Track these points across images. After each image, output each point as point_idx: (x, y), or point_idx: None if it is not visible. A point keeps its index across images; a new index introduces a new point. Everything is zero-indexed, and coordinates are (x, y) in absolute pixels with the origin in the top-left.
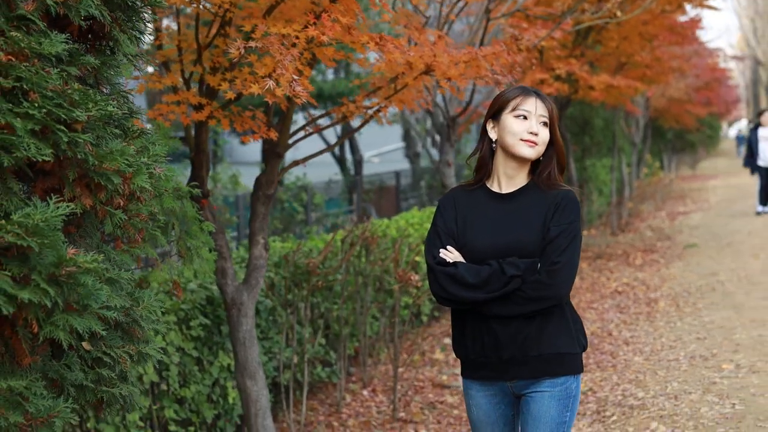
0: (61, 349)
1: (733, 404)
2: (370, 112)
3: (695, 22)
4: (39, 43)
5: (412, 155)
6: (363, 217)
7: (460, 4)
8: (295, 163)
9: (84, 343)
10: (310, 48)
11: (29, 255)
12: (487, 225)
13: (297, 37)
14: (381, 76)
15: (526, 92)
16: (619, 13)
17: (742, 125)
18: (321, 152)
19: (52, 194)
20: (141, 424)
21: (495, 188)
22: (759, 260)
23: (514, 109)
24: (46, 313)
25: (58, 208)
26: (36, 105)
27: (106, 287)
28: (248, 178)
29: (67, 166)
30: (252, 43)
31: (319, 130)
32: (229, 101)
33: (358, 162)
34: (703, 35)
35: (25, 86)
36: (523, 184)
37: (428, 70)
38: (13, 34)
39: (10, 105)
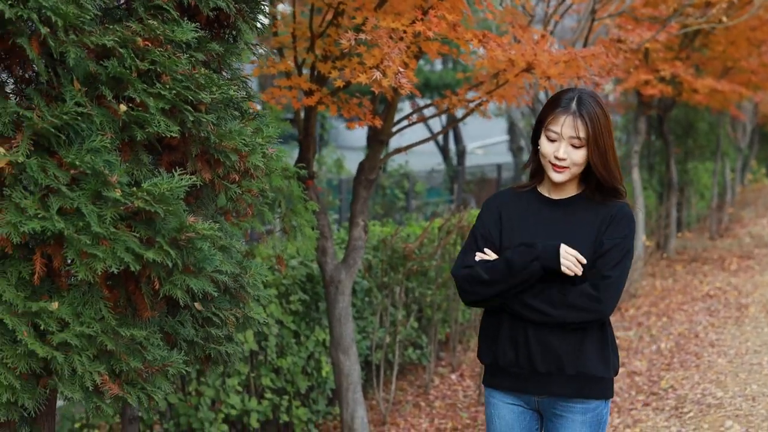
0: (175, 308)
1: None
2: (472, 105)
3: None
4: (172, 31)
5: (515, 149)
6: (461, 207)
7: (567, 2)
8: (398, 150)
9: (196, 304)
10: (417, 42)
11: (155, 220)
12: (533, 230)
13: (404, 32)
14: (485, 71)
15: (562, 108)
16: (725, 19)
17: None
18: (423, 141)
19: (176, 167)
20: (239, 389)
21: (545, 193)
22: None
23: (546, 128)
24: (166, 273)
25: (181, 179)
26: (167, 86)
27: (219, 253)
28: (352, 163)
29: (191, 142)
30: (362, 35)
31: (423, 120)
32: (337, 88)
33: (461, 153)
34: None
35: (158, 69)
36: (574, 193)
37: (529, 68)
38: (150, 21)
39: (145, 85)
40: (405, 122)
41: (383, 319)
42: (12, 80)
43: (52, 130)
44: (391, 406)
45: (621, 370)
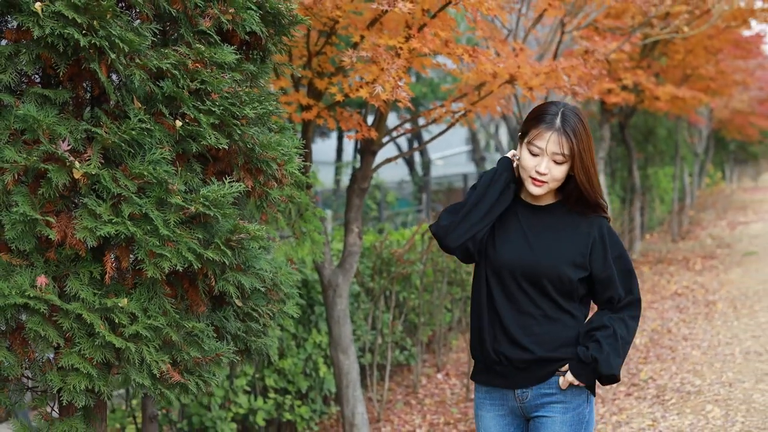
0: (219, 304)
1: None
2: (457, 115)
3: (760, 37)
4: (214, 53)
5: (477, 159)
6: (437, 215)
7: (535, 16)
8: (388, 160)
9: (237, 300)
10: (412, 57)
11: (211, 223)
12: (513, 238)
13: (401, 48)
14: (465, 84)
15: (546, 125)
16: (686, 29)
17: None
18: (412, 150)
19: (224, 176)
20: (247, 389)
21: (527, 198)
22: None
23: (529, 142)
24: (221, 271)
25: (231, 186)
26: (216, 103)
27: (264, 252)
28: (323, 175)
29: (236, 153)
30: (362, 53)
31: (412, 131)
32: (336, 102)
33: (427, 164)
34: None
35: (207, 88)
36: (552, 200)
37: (511, 80)
38: (198, 45)
39: (198, 103)
40: (394, 133)
41: (375, 323)
42: (75, 100)
43: (122, 144)
44: (384, 405)
45: None
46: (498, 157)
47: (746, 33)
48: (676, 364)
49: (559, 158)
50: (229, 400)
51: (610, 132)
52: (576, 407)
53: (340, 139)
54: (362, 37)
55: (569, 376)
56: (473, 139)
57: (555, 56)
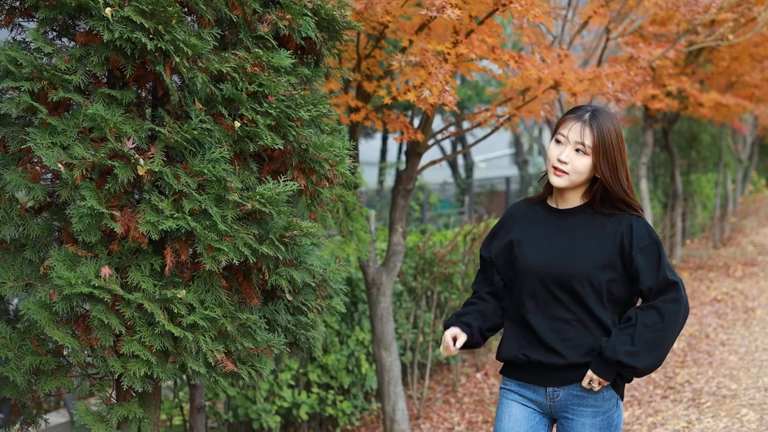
0: (270, 298)
1: None
2: (501, 119)
3: None
4: (272, 57)
5: (520, 162)
6: (482, 216)
7: (581, 22)
8: (432, 162)
9: (287, 294)
10: (459, 62)
11: (266, 219)
12: (540, 243)
13: (448, 53)
14: (510, 88)
15: (574, 116)
16: (731, 37)
17: None
18: (458, 153)
19: (278, 175)
20: (292, 383)
21: (553, 204)
22: None
23: (556, 131)
24: (274, 265)
25: (286, 185)
26: (273, 105)
27: (315, 248)
28: (367, 175)
29: (290, 153)
30: (411, 57)
31: (457, 134)
32: (383, 105)
33: (470, 166)
34: None
35: (265, 91)
36: (579, 203)
37: (556, 86)
38: (256, 50)
39: (256, 105)
40: (439, 136)
41: (416, 322)
42: (138, 101)
43: (184, 143)
44: (424, 402)
45: None
46: (541, 160)
47: None
48: (712, 368)
49: (581, 148)
50: (274, 394)
51: (654, 138)
52: (605, 411)
53: (384, 140)
54: (411, 41)
55: (589, 372)
56: (516, 142)
57: (599, 62)
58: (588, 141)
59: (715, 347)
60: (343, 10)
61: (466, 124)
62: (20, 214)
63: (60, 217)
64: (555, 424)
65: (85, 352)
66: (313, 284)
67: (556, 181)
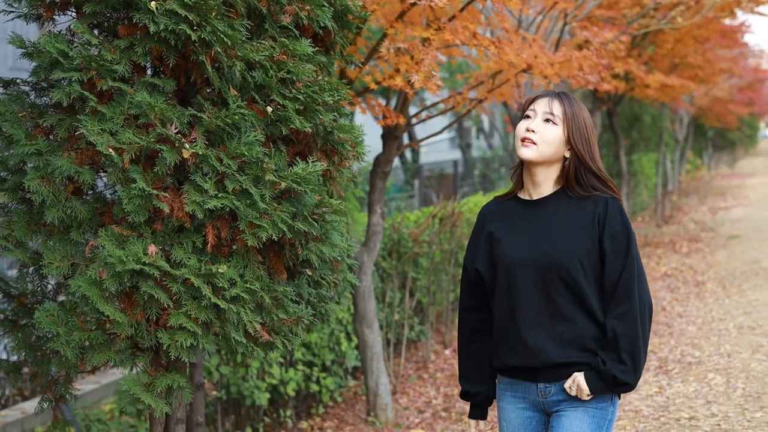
0: (291, 274)
1: None
2: (473, 102)
3: (744, 27)
4: (296, 46)
5: (464, 146)
6: (455, 197)
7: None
8: (409, 144)
9: (307, 270)
10: (440, 48)
11: (299, 198)
12: (519, 236)
13: (433, 39)
14: (482, 72)
15: (542, 93)
16: (679, 20)
17: None
18: (434, 135)
19: (303, 156)
20: (281, 360)
21: (525, 197)
22: None
23: (524, 110)
24: (305, 241)
25: (315, 165)
26: (300, 91)
27: (342, 224)
28: None
29: (315, 136)
30: (399, 44)
31: (430, 118)
32: (365, 89)
33: (416, 151)
34: (749, 37)
35: (293, 77)
36: (552, 190)
37: (528, 69)
38: (283, 39)
39: (285, 91)
40: (415, 120)
41: (393, 302)
42: (176, 87)
43: (225, 127)
44: (400, 379)
45: None
46: (485, 143)
47: (731, 23)
48: (674, 338)
49: (550, 117)
50: (264, 372)
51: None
52: (600, 407)
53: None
54: (393, 27)
55: (582, 383)
56: (460, 126)
57: (557, 46)
58: (556, 110)
59: (673, 319)
60: (355, 1)
61: (436, 109)
62: (67, 197)
63: (101, 200)
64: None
65: (132, 325)
66: (329, 260)
67: (525, 152)
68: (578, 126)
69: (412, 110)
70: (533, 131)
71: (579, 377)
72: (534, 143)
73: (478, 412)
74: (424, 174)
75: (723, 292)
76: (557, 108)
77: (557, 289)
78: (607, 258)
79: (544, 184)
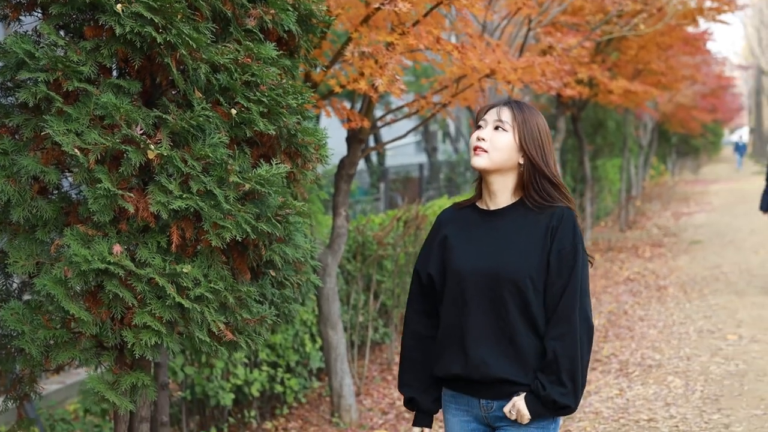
0: (255, 275)
1: (737, 364)
2: (438, 107)
3: (707, 34)
4: (261, 50)
5: (430, 149)
6: (420, 200)
7: (511, 13)
8: (373, 148)
9: (271, 271)
10: (404, 53)
11: (262, 199)
12: (473, 246)
13: (397, 44)
14: (447, 77)
15: (493, 104)
16: (642, 27)
17: (744, 132)
18: (399, 138)
19: (266, 159)
20: (246, 360)
21: (483, 206)
22: (759, 255)
23: (477, 122)
24: (269, 242)
25: (279, 167)
26: (264, 94)
27: (304, 225)
28: None
29: (279, 138)
30: (363, 48)
31: (395, 121)
32: (330, 92)
33: (382, 155)
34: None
35: (257, 80)
36: (510, 202)
37: (491, 74)
38: (247, 42)
39: (249, 93)
40: (380, 123)
41: (352, 303)
42: (141, 88)
43: (190, 129)
44: (364, 380)
45: None
46: (450, 148)
47: (694, 30)
48: (635, 341)
49: (499, 124)
50: (229, 372)
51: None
52: (540, 424)
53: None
54: (357, 32)
55: (522, 407)
56: (426, 130)
57: (521, 51)
58: (505, 117)
59: (635, 322)
60: (319, 5)
61: (400, 113)
62: (32, 197)
63: (66, 200)
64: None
65: (97, 324)
66: (293, 261)
67: (476, 161)
68: (530, 131)
69: (379, 113)
70: (483, 139)
71: (519, 402)
72: (485, 151)
73: (424, 419)
74: (389, 177)
75: (684, 297)
76: (506, 115)
77: (505, 304)
78: (551, 274)
79: (501, 194)
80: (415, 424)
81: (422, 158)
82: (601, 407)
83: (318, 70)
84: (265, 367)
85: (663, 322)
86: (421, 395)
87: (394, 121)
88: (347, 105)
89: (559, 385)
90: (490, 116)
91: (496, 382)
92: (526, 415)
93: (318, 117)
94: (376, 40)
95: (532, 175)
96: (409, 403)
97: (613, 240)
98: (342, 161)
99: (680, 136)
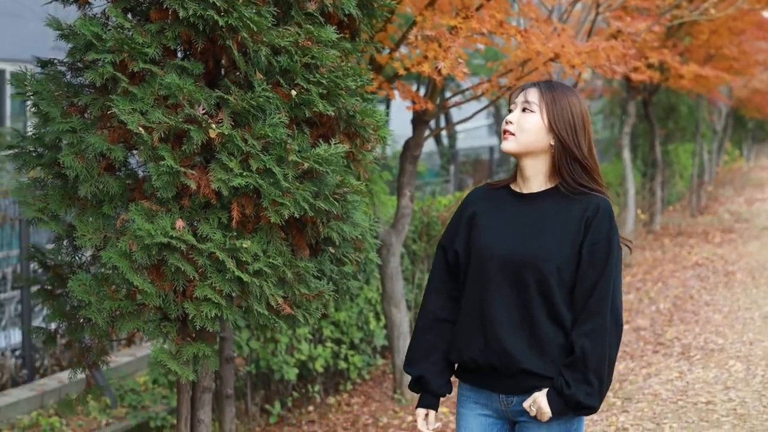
0: (314, 251)
1: None
2: (503, 89)
3: None
4: (321, 33)
5: (501, 132)
6: (472, 184)
7: None
8: (439, 129)
9: (330, 248)
10: (468, 36)
11: (320, 178)
12: (501, 228)
13: (461, 27)
14: (511, 60)
15: (523, 86)
16: (713, 11)
17: None
18: (463, 121)
19: (325, 139)
20: (310, 336)
21: (517, 189)
22: None
23: (509, 106)
24: (327, 219)
25: (337, 147)
26: (324, 76)
27: (363, 204)
28: None
29: (338, 119)
30: (427, 32)
31: (460, 104)
32: (395, 75)
33: (453, 137)
34: None
35: (317, 62)
36: (545, 187)
37: (555, 58)
38: (308, 26)
39: (309, 75)
40: (445, 105)
41: (422, 283)
42: (204, 70)
43: (250, 109)
44: None
45: (626, 326)
46: None
47: (766, 14)
48: (699, 325)
49: (526, 106)
50: (293, 347)
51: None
52: (565, 422)
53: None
54: (422, 15)
55: (543, 404)
56: (497, 112)
57: (589, 35)
58: (532, 97)
59: (700, 307)
60: None
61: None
62: (99, 173)
63: (131, 176)
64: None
65: (161, 296)
66: (356, 237)
67: (505, 145)
68: (560, 110)
69: (448, 96)
70: (511, 122)
71: (540, 398)
72: (512, 134)
73: (431, 401)
74: (459, 159)
75: (752, 283)
76: (533, 95)
77: (528, 291)
78: (582, 266)
79: (534, 178)
80: (420, 406)
81: (494, 141)
82: (660, 389)
83: (385, 52)
84: (329, 344)
85: (728, 307)
86: (433, 376)
87: (459, 103)
88: (413, 88)
89: (585, 383)
90: (518, 99)
91: (518, 372)
92: (547, 413)
93: (388, 100)
94: (440, 24)
95: (563, 157)
96: (416, 384)
97: (683, 225)
98: (407, 142)
99: (757, 122)
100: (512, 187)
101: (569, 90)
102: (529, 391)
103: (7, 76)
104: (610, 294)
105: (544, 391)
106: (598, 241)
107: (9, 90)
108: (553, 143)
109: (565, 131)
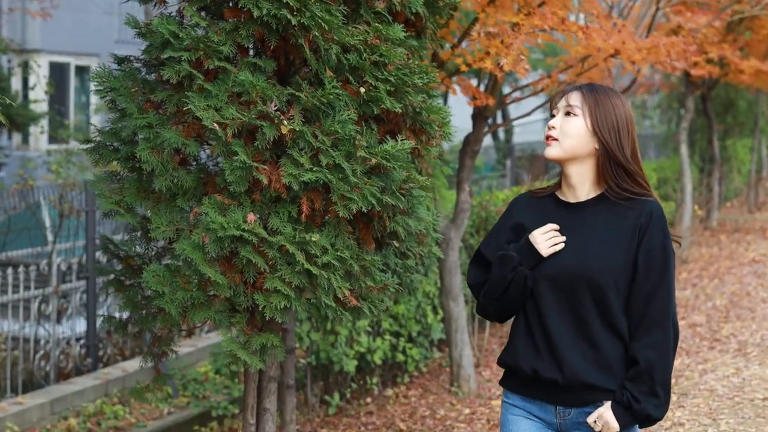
0: (379, 245)
1: None
2: (563, 85)
3: None
4: (389, 31)
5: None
6: (529, 179)
7: None
8: (499, 125)
9: (395, 242)
10: (530, 33)
11: (387, 173)
12: None
13: (523, 24)
14: (572, 57)
15: (565, 90)
16: None
17: None
18: (523, 116)
19: (392, 135)
20: (369, 329)
21: (562, 197)
22: None
23: (551, 112)
24: (393, 214)
25: (404, 143)
26: (392, 73)
27: (427, 199)
28: None
29: (404, 116)
30: (489, 28)
31: (520, 99)
32: (456, 71)
33: (510, 131)
34: None
35: (384, 60)
36: (592, 194)
37: (615, 54)
38: (377, 25)
39: (377, 73)
40: (507, 100)
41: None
42: (276, 67)
43: (321, 106)
44: (483, 353)
45: (682, 322)
46: None
47: None
48: (755, 322)
49: (569, 110)
50: (353, 339)
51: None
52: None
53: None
54: (484, 12)
55: (610, 419)
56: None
57: (649, 30)
58: (574, 101)
59: (757, 303)
60: None
61: (523, 92)
62: (174, 167)
63: (204, 171)
64: None
65: (231, 287)
66: (415, 233)
67: (548, 151)
68: (603, 113)
69: (506, 91)
70: (554, 127)
71: (606, 413)
72: (556, 139)
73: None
74: (515, 154)
75: None
76: (575, 99)
77: (584, 305)
78: (638, 276)
79: (580, 186)
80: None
81: None
82: (716, 385)
83: (446, 48)
84: (387, 336)
85: None
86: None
87: (519, 99)
88: (474, 83)
89: (653, 396)
90: (561, 103)
91: (581, 387)
92: (615, 428)
93: (446, 94)
94: (502, 20)
95: (606, 161)
96: (509, 259)
97: (740, 221)
98: (467, 138)
99: None
100: (558, 195)
101: (612, 92)
102: (588, 405)
103: (72, 69)
104: (670, 302)
105: (608, 404)
106: (653, 248)
107: (73, 83)
108: (597, 147)
109: (608, 134)
